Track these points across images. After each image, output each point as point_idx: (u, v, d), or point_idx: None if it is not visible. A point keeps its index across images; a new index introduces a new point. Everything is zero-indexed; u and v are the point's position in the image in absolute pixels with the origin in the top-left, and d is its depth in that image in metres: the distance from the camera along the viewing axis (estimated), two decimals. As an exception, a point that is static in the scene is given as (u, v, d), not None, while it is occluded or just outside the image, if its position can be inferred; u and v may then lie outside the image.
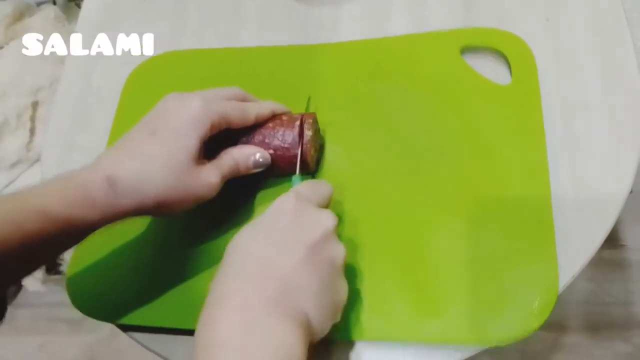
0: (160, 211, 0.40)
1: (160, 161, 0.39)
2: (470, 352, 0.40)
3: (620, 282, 1.08)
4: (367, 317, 0.41)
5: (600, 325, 1.05)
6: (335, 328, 0.37)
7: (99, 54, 0.60)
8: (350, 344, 0.42)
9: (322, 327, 0.35)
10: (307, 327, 0.33)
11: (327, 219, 0.37)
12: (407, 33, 0.54)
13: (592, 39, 0.50)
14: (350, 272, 0.43)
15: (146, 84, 0.57)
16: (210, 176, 0.41)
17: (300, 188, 0.39)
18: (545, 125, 0.46)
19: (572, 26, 0.51)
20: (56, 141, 0.57)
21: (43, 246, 0.36)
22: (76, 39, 0.62)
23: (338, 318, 0.37)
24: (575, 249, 0.42)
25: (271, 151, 0.44)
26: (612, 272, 1.09)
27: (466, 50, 0.51)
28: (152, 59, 0.58)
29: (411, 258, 0.43)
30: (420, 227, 0.44)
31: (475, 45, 0.51)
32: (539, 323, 0.39)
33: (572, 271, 0.41)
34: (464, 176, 0.45)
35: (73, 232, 0.37)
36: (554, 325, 1.06)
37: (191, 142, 0.40)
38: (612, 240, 1.11)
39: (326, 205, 0.41)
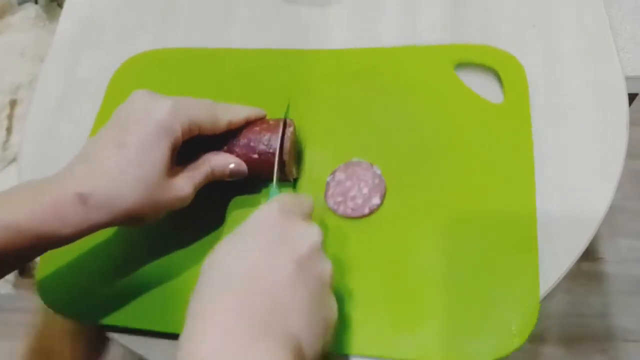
0: (132, 223, 0.39)
1: (131, 176, 0.37)
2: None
3: (598, 295, 1.09)
4: (345, 331, 0.40)
5: (578, 337, 1.06)
6: None
7: (84, 47, 0.60)
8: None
9: (314, 350, 0.32)
10: (299, 352, 0.30)
11: (314, 233, 0.35)
12: (394, 33, 0.54)
13: (578, 46, 0.51)
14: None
15: (131, 81, 0.55)
16: (183, 188, 0.40)
17: (283, 199, 0.37)
18: (533, 128, 0.46)
19: (558, 34, 0.52)
20: (37, 134, 0.56)
21: (11, 258, 0.36)
22: (61, 31, 0.61)
23: (329, 339, 0.34)
24: (555, 259, 0.42)
25: (255, 156, 0.43)
26: (589, 284, 1.10)
27: (459, 65, 0.51)
28: (138, 56, 0.57)
29: (391, 273, 0.42)
30: (402, 241, 0.43)
31: (468, 60, 0.51)
32: (518, 344, 0.38)
33: (552, 281, 0.41)
34: (449, 191, 0.45)
35: (43, 245, 0.37)
36: (532, 336, 1.06)
37: (162, 152, 0.38)
38: (590, 253, 1.12)
39: (308, 219, 0.38)
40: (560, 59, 0.51)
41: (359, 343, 0.40)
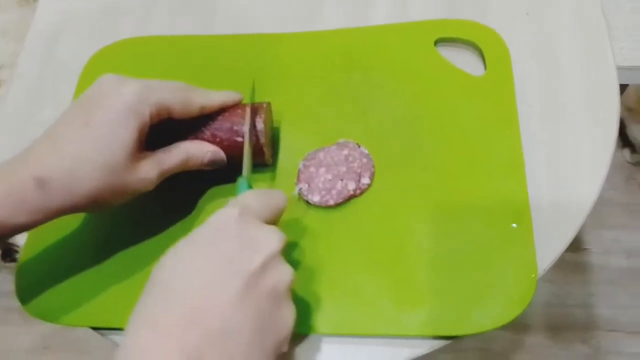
0: (93, 209, 0.38)
1: (94, 158, 0.36)
2: (440, 343, 0.40)
3: (581, 285, 1.10)
4: (347, 312, 0.40)
5: (561, 326, 1.07)
6: (308, 323, 0.35)
7: (64, 30, 0.58)
8: (320, 337, 0.41)
9: None
10: None
11: (273, 240, 0.33)
12: (386, 18, 0.53)
13: (571, 35, 0.51)
14: (325, 266, 0.42)
15: (106, 67, 0.54)
16: (148, 172, 0.38)
17: (248, 199, 0.35)
18: (521, 120, 0.46)
19: (551, 22, 0.51)
20: (15, 117, 0.54)
21: None
22: (41, 13, 0.59)
23: (284, 350, 0.33)
24: (543, 249, 0.42)
25: (239, 139, 0.42)
26: (573, 274, 1.11)
27: (440, 41, 0.51)
28: (114, 45, 0.55)
29: (387, 250, 0.42)
30: (395, 219, 0.43)
31: (448, 36, 0.51)
32: (519, 310, 0.39)
33: (540, 269, 0.41)
34: (438, 167, 0.45)
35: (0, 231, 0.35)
36: (515, 325, 1.07)
37: (127, 135, 0.36)
38: (575, 244, 1.13)
39: (277, 219, 0.36)
40: (552, 48, 0.50)
41: (358, 321, 0.40)
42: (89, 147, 0.36)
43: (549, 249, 0.42)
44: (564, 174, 0.45)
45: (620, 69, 0.50)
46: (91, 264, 0.44)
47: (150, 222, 0.45)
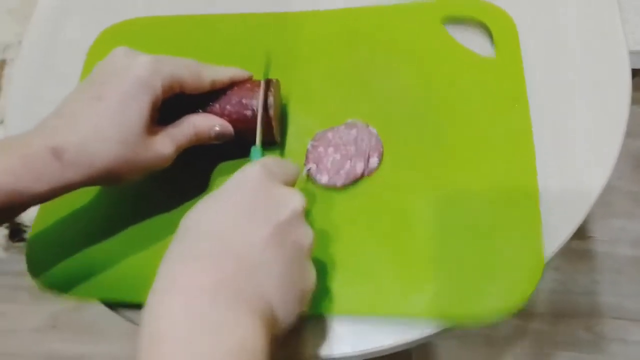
0: (109, 182, 0.38)
1: (109, 131, 0.36)
2: (445, 325, 0.40)
3: (587, 273, 1.10)
4: (354, 291, 0.40)
5: (565, 313, 1.07)
6: (315, 302, 0.35)
7: (71, 8, 0.58)
8: (329, 317, 0.41)
9: (287, 316, 0.31)
10: (270, 316, 0.30)
11: (297, 199, 0.34)
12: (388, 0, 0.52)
13: (581, 17, 0.50)
14: (332, 246, 0.42)
15: (112, 47, 0.53)
16: (164, 147, 0.39)
17: (267, 161, 0.35)
18: (530, 101, 0.45)
19: (561, 3, 0.51)
20: (22, 96, 0.54)
21: None
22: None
23: (304, 308, 0.33)
24: (549, 234, 0.42)
25: (248, 112, 0.42)
26: (579, 262, 1.11)
27: (448, 21, 0.50)
28: (120, 24, 0.55)
29: (394, 232, 0.42)
30: (403, 198, 0.43)
31: (457, 15, 0.50)
32: (529, 292, 0.38)
33: (550, 250, 0.41)
34: (446, 148, 0.45)
35: (17, 203, 0.35)
36: (519, 312, 1.07)
37: (141, 108, 0.37)
38: (581, 232, 1.13)
39: (292, 186, 0.37)
40: (562, 32, 0.49)
41: (366, 302, 0.40)
42: (102, 120, 0.36)
43: (556, 234, 0.42)
44: (573, 159, 0.44)
45: (632, 53, 0.49)
46: (102, 237, 0.44)
47: (161, 196, 0.45)
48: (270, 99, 0.42)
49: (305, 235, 0.33)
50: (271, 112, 0.42)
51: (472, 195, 0.42)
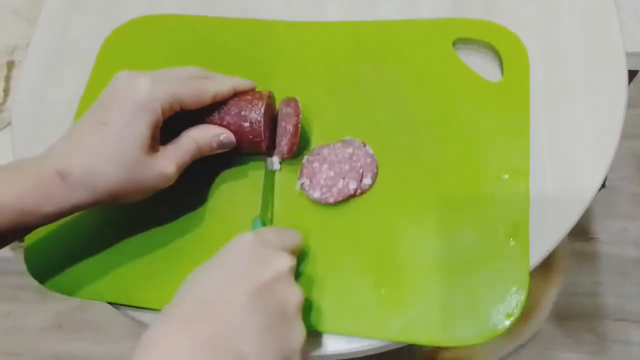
0: (115, 202, 0.40)
1: (110, 154, 0.38)
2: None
3: (589, 274, 1.10)
4: (333, 309, 0.41)
5: (567, 314, 1.07)
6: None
7: (76, 9, 0.59)
8: (314, 334, 0.41)
9: None
10: None
11: (282, 260, 0.35)
12: (392, 7, 0.52)
13: (579, 19, 0.50)
14: (317, 262, 0.42)
15: (121, 48, 0.55)
16: (166, 166, 0.40)
17: (263, 230, 0.38)
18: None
19: (559, 5, 0.51)
20: (28, 97, 0.55)
21: None
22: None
23: None
24: (545, 234, 0.42)
25: (231, 128, 0.43)
26: (582, 263, 1.11)
27: (459, 42, 0.50)
28: (129, 22, 0.56)
29: (379, 253, 0.42)
30: (392, 220, 0.43)
31: (467, 37, 0.49)
32: (507, 326, 0.38)
33: (540, 255, 0.42)
34: (442, 172, 0.44)
35: (25, 223, 0.37)
36: (522, 313, 1.07)
37: (142, 131, 0.38)
38: (584, 233, 1.13)
39: (293, 253, 0.38)
40: (561, 35, 0.50)
41: (349, 322, 0.40)
42: (105, 144, 0.38)
43: (551, 235, 0.42)
44: (569, 161, 0.45)
45: (629, 55, 0.49)
46: (101, 240, 0.45)
47: (163, 202, 0.45)
48: (261, 112, 0.43)
49: (292, 294, 0.35)
50: (261, 124, 0.43)
51: (460, 225, 0.42)
